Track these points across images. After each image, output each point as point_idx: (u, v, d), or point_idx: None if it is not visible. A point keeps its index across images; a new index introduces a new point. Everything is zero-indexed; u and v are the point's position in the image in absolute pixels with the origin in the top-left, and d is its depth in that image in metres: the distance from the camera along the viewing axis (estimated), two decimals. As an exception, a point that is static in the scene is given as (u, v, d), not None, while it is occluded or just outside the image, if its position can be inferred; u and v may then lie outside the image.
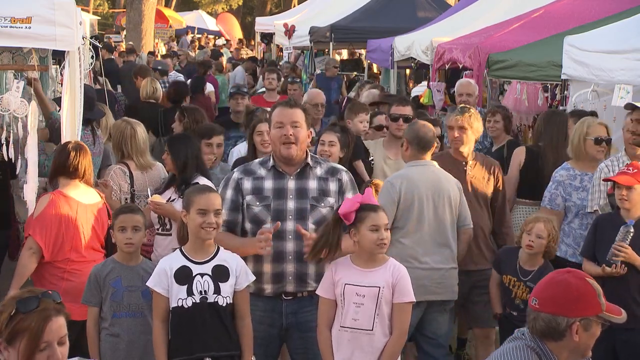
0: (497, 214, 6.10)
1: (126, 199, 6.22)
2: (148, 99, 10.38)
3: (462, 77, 10.13)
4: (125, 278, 4.88)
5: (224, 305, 4.40)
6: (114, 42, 24.48)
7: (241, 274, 4.48)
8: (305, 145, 4.76)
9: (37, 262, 5.33)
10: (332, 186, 4.78)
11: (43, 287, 5.15)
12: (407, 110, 6.65)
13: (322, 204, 4.72)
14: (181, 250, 4.47)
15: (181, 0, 46.77)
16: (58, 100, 6.65)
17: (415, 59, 12.80)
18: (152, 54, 22.49)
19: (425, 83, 11.93)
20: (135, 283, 4.88)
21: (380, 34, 15.24)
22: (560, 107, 8.22)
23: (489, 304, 5.82)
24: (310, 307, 4.69)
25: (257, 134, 6.66)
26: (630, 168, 5.33)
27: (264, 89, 11.72)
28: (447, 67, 11.09)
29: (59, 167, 5.53)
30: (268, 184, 4.73)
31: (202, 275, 4.39)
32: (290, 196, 4.71)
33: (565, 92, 8.12)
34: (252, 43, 31.51)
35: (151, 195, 5.93)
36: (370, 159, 7.00)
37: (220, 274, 4.42)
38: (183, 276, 4.37)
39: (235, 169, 4.95)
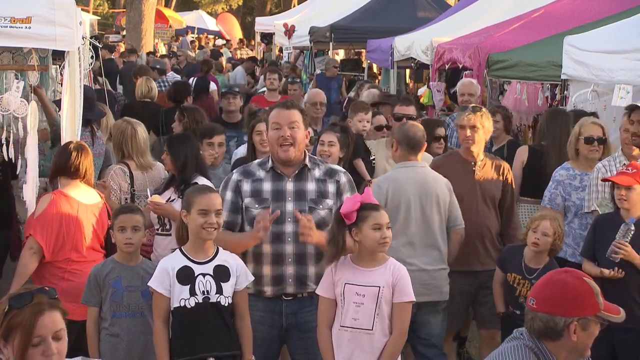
0: (505, 215, 6.07)
1: (126, 199, 6.22)
2: (143, 98, 10.40)
3: (462, 77, 10.14)
4: (125, 278, 4.88)
5: (226, 305, 4.41)
6: (111, 42, 24.46)
7: (241, 274, 4.49)
8: (303, 146, 4.75)
9: (37, 262, 5.33)
10: (331, 188, 4.77)
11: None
12: (411, 110, 6.64)
13: (321, 206, 4.71)
14: (181, 251, 4.47)
15: (181, 0, 46.76)
16: (58, 102, 6.66)
17: (415, 59, 12.80)
18: (152, 54, 22.49)
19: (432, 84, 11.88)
20: (135, 283, 4.88)
21: (380, 34, 15.24)
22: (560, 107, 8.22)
23: None
24: (310, 308, 4.69)
25: (256, 133, 6.67)
26: (630, 168, 5.33)
27: (264, 89, 11.71)
28: (447, 67, 11.09)
29: (60, 167, 5.53)
30: (267, 186, 4.72)
31: (204, 275, 4.40)
32: (289, 198, 4.70)
33: (565, 92, 8.12)
34: (252, 43, 31.51)
35: (151, 196, 5.93)
36: (371, 158, 7.00)
37: (222, 273, 4.43)
38: (185, 276, 4.37)
39: (234, 171, 4.95)
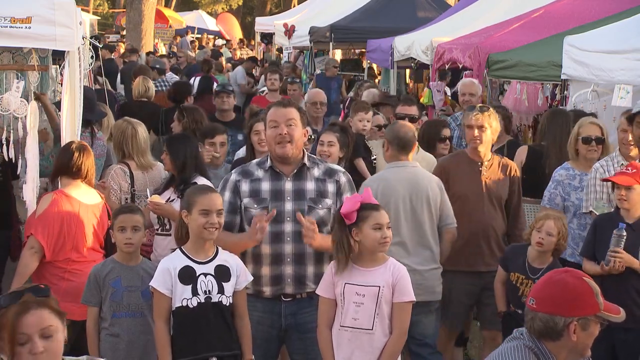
0: (512, 216, 6.05)
1: (126, 199, 6.22)
2: (140, 97, 10.41)
3: (462, 77, 10.14)
4: (125, 278, 4.88)
5: (227, 305, 4.42)
6: (109, 42, 24.47)
7: (241, 274, 4.49)
8: (301, 144, 4.74)
9: (38, 262, 5.33)
10: (330, 187, 4.76)
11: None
12: (413, 110, 6.63)
13: (320, 206, 4.70)
14: (182, 250, 4.47)
15: (181, 0, 46.76)
16: (58, 104, 6.66)
17: (415, 59, 12.79)
18: (152, 53, 22.49)
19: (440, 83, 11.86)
20: (135, 283, 4.88)
21: (380, 34, 15.23)
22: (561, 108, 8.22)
23: None
24: (309, 308, 4.69)
25: (254, 133, 6.67)
26: (630, 168, 5.33)
27: (263, 88, 11.70)
28: (447, 67, 11.09)
29: (62, 166, 5.53)
30: (265, 186, 4.72)
31: (205, 275, 4.40)
32: (288, 198, 4.70)
33: (565, 92, 8.12)
34: (252, 43, 31.51)
35: (150, 196, 5.93)
36: (372, 157, 7.00)
37: (223, 273, 4.43)
38: (187, 276, 4.37)
39: (233, 171, 4.94)
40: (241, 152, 7.34)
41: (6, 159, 6.38)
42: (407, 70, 15.77)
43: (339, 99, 14.69)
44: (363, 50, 18.26)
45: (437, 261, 5.62)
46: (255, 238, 4.53)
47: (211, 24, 39.42)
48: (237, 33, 37.07)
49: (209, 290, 4.38)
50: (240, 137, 7.72)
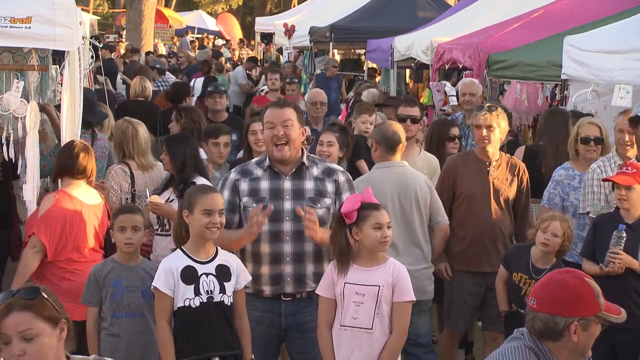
0: (520, 217, 6.01)
1: (127, 199, 6.22)
2: (137, 97, 10.41)
3: (462, 77, 10.14)
4: (125, 278, 4.88)
5: (229, 304, 4.42)
6: (108, 42, 24.47)
7: (240, 274, 4.50)
8: (298, 143, 4.73)
9: (39, 261, 5.33)
10: (329, 187, 4.76)
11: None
12: (415, 111, 6.59)
13: (319, 205, 4.70)
14: (182, 250, 4.47)
15: (181, 0, 46.76)
16: (59, 107, 6.65)
17: (415, 59, 12.79)
18: (151, 53, 22.48)
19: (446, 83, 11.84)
20: (135, 283, 4.88)
21: (380, 34, 15.23)
22: (559, 107, 8.22)
23: None
24: (309, 308, 4.69)
25: (251, 133, 6.68)
26: (629, 168, 5.33)
27: (263, 88, 11.70)
28: (447, 67, 11.09)
29: (67, 167, 5.52)
30: (264, 185, 4.71)
31: (207, 274, 4.40)
32: (287, 197, 4.69)
33: (565, 92, 8.12)
34: (252, 43, 31.51)
35: (150, 196, 5.93)
36: None
37: (224, 273, 4.43)
38: (189, 276, 4.37)
39: (232, 170, 4.94)
40: (242, 153, 7.34)
41: (6, 159, 6.38)
42: (407, 70, 15.76)
43: (338, 99, 14.70)
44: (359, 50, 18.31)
45: (428, 260, 5.62)
46: (252, 232, 4.52)
47: (211, 24, 39.43)
48: (237, 33, 37.07)
49: (211, 290, 4.37)
50: (234, 137, 7.69)
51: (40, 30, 5.80)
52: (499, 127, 5.87)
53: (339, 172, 4.84)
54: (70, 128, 6.11)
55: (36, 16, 5.77)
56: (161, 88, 13.77)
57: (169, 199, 5.89)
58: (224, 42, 33.55)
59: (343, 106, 12.76)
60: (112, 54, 19.22)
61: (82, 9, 9.28)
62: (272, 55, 24.26)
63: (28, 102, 6.11)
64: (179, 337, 4.38)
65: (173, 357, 4.35)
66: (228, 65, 21.07)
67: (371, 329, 4.32)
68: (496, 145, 5.92)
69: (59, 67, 6.94)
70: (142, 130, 6.46)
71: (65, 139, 5.99)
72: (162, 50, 28.34)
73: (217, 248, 4.50)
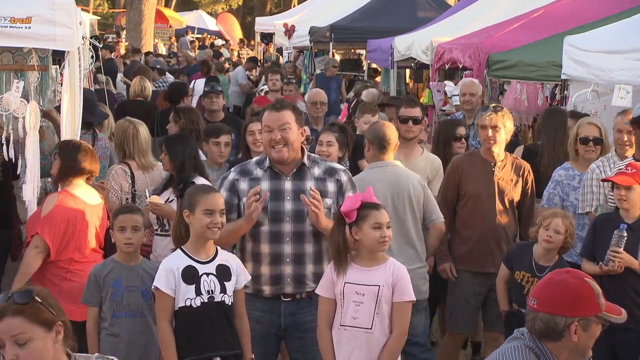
0: (524, 217, 6.00)
1: (127, 199, 6.22)
2: (136, 97, 10.41)
3: (462, 77, 10.14)
4: (124, 278, 4.88)
5: (229, 304, 4.42)
6: (109, 42, 24.49)
7: (240, 273, 4.50)
8: (297, 145, 4.71)
9: (41, 261, 5.32)
10: (331, 187, 4.75)
11: (44, 288, 5.17)
12: (416, 112, 6.56)
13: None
14: (182, 250, 4.46)
15: (181, 0, 46.76)
16: (59, 108, 6.65)
17: (415, 59, 12.79)
18: (151, 54, 22.48)
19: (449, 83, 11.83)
20: (134, 283, 4.88)
21: (380, 34, 15.24)
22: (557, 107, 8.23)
23: None
24: (309, 309, 4.69)
25: (248, 133, 6.68)
26: (629, 168, 5.33)
27: (263, 87, 11.69)
28: (447, 67, 11.09)
29: (75, 168, 5.51)
30: (265, 185, 4.70)
31: (207, 274, 4.40)
32: (287, 197, 4.68)
33: (565, 92, 8.12)
34: (252, 43, 31.51)
35: (149, 196, 5.92)
36: None
37: (224, 273, 4.43)
38: (190, 276, 4.37)
39: (232, 169, 4.92)
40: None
41: (6, 159, 6.38)
42: (407, 70, 15.77)
43: (338, 99, 14.70)
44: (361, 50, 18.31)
45: (423, 260, 5.62)
46: (250, 216, 4.51)
47: (211, 24, 39.41)
48: (237, 33, 37.05)
49: (211, 290, 4.38)
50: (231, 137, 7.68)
51: (40, 30, 5.80)
52: (505, 128, 5.86)
53: (341, 172, 4.83)
54: (70, 128, 6.11)
55: (36, 16, 5.77)
56: (161, 88, 13.77)
57: (168, 199, 5.89)
58: (224, 42, 33.55)
59: (343, 106, 12.77)
60: (112, 54, 19.22)
61: (82, 9, 9.29)
62: (272, 56, 24.26)
63: (28, 102, 6.11)
64: (180, 337, 4.38)
65: (174, 357, 4.35)
66: (227, 65, 21.07)
67: (371, 328, 4.32)
68: (501, 145, 5.92)
69: (59, 67, 6.94)
70: (143, 130, 6.46)
71: (65, 139, 5.98)
72: (162, 50, 28.35)
73: (217, 248, 4.50)
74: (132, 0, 25.12)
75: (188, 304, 4.35)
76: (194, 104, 12.70)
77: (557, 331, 3.11)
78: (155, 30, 27.56)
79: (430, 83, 11.83)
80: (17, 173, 6.61)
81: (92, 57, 8.49)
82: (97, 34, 27.91)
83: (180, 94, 10.29)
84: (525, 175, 6.01)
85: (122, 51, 23.00)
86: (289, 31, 20.27)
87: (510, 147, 7.47)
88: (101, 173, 6.60)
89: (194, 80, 15.30)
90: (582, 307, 3.11)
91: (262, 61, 22.97)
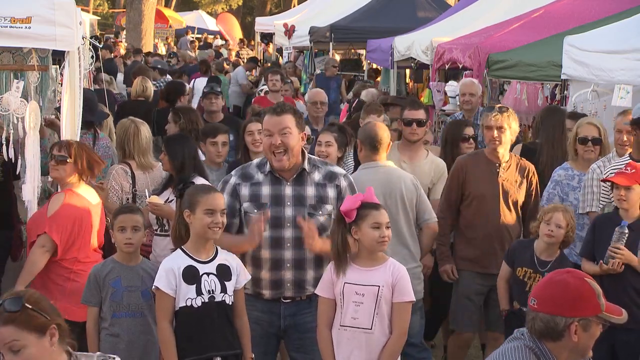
0: (529, 218, 5.95)
1: (127, 199, 6.22)
2: (137, 97, 10.41)
3: (462, 77, 10.14)
4: (124, 278, 4.88)
5: (230, 304, 4.42)
6: (107, 42, 24.47)
7: (240, 273, 4.50)
8: (298, 150, 4.69)
9: (47, 261, 5.32)
10: (330, 192, 4.73)
11: (47, 288, 5.18)
12: (420, 115, 6.52)
13: (320, 212, 4.68)
14: (183, 250, 4.46)
15: (181, 0, 46.75)
16: (59, 109, 6.65)
17: (415, 59, 12.79)
18: (150, 54, 22.47)
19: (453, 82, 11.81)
20: (134, 283, 4.88)
21: (380, 34, 15.24)
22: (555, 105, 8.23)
23: None
24: (309, 310, 4.70)
25: (247, 134, 6.67)
26: (629, 168, 5.33)
27: (263, 87, 11.68)
28: (447, 67, 11.08)
29: (86, 168, 5.51)
30: (265, 190, 4.69)
31: (208, 274, 4.40)
32: (288, 203, 4.67)
33: (565, 92, 8.12)
34: (252, 43, 31.51)
35: (148, 196, 5.92)
36: None
37: (224, 272, 4.44)
38: (191, 276, 4.37)
39: (232, 173, 4.88)
40: None
41: (6, 159, 6.38)
42: (407, 70, 15.77)
43: (338, 99, 14.70)
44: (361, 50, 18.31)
45: (417, 259, 5.61)
46: (252, 242, 4.53)
47: (211, 24, 39.39)
48: (237, 33, 37.03)
49: (212, 290, 4.38)
50: (230, 137, 7.67)
51: (40, 30, 5.80)
52: (510, 129, 5.85)
53: (341, 177, 4.81)
54: (70, 128, 6.11)
55: (36, 16, 5.77)
56: (161, 88, 13.75)
57: (168, 199, 5.88)
58: (223, 42, 33.55)
59: (342, 106, 12.76)
60: (112, 54, 19.22)
61: (82, 9, 9.29)
62: (271, 56, 24.25)
63: (28, 102, 6.11)
64: (180, 337, 4.38)
65: (175, 357, 4.35)
66: (226, 65, 21.06)
67: (371, 329, 4.32)
68: (506, 146, 5.91)
69: (59, 67, 6.94)
70: (144, 129, 6.46)
71: (64, 139, 5.97)
72: (162, 50, 28.34)
73: (217, 248, 4.50)
74: (132, 0, 25.13)
75: (189, 303, 4.35)
76: (194, 103, 12.70)
77: (557, 331, 3.11)
78: (155, 30, 27.55)
79: (430, 83, 11.83)
80: (17, 173, 6.61)
81: (92, 57, 8.49)
82: (97, 34, 27.90)
83: (177, 93, 10.26)
84: (530, 176, 6.00)
85: (122, 51, 23.00)
86: (289, 31, 20.26)
87: (511, 147, 7.50)
88: (102, 173, 6.59)
89: (193, 80, 15.30)
90: (582, 308, 3.11)
91: (262, 61, 22.96)
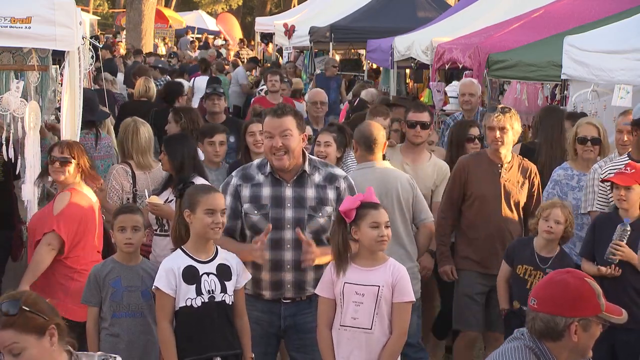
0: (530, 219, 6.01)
1: (128, 199, 6.22)
2: (140, 97, 10.41)
3: (462, 77, 10.14)
4: (124, 278, 4.88)
5: (230, 304, 4.42)
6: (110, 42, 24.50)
7: (240, 273, 4.50)
8: (299, 151, 4.69)
9: (52, 259, 5.31)
10: (330, 194, 4.72)
11: (51, 287, 5.18)
12: (424, 117, 6.50)
13: (320, 214, 4.68)
14: (183, 250, 4.46)
15: (181, 0, 46.75)
16: (59, 109, 6.66)
17: (415, 59, 12.79)
18: (150, 54, 22.47)
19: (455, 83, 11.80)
20: (134, 283, 4.88)
21: (380, 34, 15.24)
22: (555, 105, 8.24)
23: None
24: (309, 310, 4.70)
25: (249, 134, 6.67)
26: (629, 168, 5.34)
27: (262, 87, 11.68)
28: (447, 67, 11.09)
29: (84, 167, 5.52)
30: (266, 192, 4.69)
31: (208, 274, 4.40)
32: (288, 205, 4.67)
33: (565, 92, 8.13)
34: (252, 43, 31.52)
35: (148, 196, 5.92)
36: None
37: (224, 272, 4.43)
38: (190, 276, 4.37)
39: (233, 174, 4.87)
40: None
41: (6, 159, 6.38)
42: (407, 70, 15.77)
43: (338, 99, 14.70)
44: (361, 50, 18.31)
45: (414, 259, 5.61)
46: (255, 257, 4.54)
47: (211, 24, 39.40)
48: (237, 33, 37.04)
49: (212, 290, 4.38)
50: (232, 139, 7.66)
51: (40, 30, 5.81)
52: (512, 129, 5.84)
53: (341, 179, 4.80)
54: (70, 128, 6.11)
55: (36, 16, 5.77)
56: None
57: (167, 199, 5.88)
58: (223, 42, 33.56)
59: (342, 106, 12.76)
60: (112, 54, 19.22)
61: (82, 9, 9.28)
62: (271, 56, 24.26)
63: (28, 102, 6.11)
64: (180, 337, 4.38)
65: (175, 357, 4.35)
66: (225, 65, 21.06)
67: (371, 329, 4.32)
68: (509, 147, 5.90)
69: (59, 67, 6.94)
70: (144, 129, 6.45)
71: (64, 139, 5.97)
72: (162, 50, 28.34)
73: (216, 247, 4.50)
74: (132, 0, 25.13)
75: (189, 304, 4.34)
76: (195, 103, 12.69)
77: (557, 331, 3.11)
78: (155, 30, 27.55)
79: (430, 83, 11.83)
80: (17, 173, 6.61)
81: (92, 57, 8.49)
82: (97, 34, 27.89)
83: (175, 93, 10.25)
84: (532, 177, 5.98)
85: (122, 51, 23.00)
86: (289, 31, 20.26)
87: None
88: (104, 172, 6.60)
89: (193, 78, 15.30)
90: (582, 308, 3.11)
91: (262, 61, 22.96)
